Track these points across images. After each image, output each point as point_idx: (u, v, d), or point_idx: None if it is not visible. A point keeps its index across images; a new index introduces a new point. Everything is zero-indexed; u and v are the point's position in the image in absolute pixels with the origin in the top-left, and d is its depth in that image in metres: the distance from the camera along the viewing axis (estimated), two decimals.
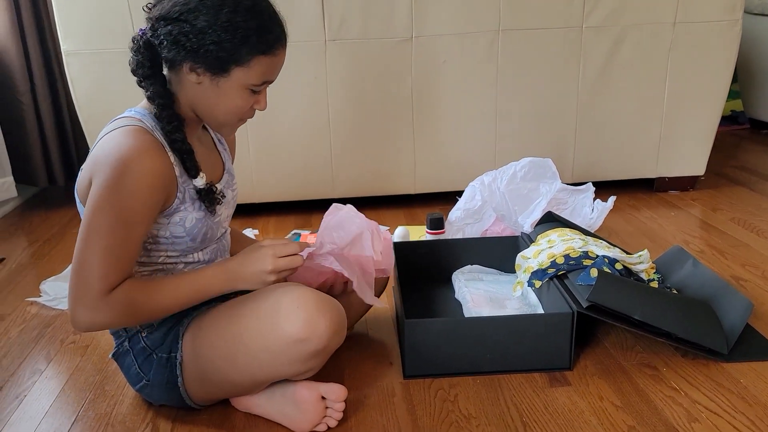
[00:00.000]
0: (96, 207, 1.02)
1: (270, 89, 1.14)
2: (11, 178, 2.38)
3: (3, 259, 2.00)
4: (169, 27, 1.03)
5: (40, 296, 1.71)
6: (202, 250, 1.18)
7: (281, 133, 2.14)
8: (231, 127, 1.15)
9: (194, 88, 1.08)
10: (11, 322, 1.61)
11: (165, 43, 1.04)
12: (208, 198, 1.12)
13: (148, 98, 1.08)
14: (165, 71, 1.09)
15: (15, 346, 1.49)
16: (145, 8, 1.07)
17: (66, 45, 2.01)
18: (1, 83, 2.34)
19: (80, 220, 1.15)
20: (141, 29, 1.07)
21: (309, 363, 1.09)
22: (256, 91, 1.10)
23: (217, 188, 1.15)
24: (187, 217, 1.11)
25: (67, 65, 2.04)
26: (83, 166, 1.09)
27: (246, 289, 1.12)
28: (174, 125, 1.07)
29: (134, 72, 1.08)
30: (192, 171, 1.10)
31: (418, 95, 2.14)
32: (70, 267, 1.76)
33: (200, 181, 1.11)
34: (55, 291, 1.71)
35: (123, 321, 1.06)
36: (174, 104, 1.09)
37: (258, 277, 1.09)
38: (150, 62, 1.07)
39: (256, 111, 1.14)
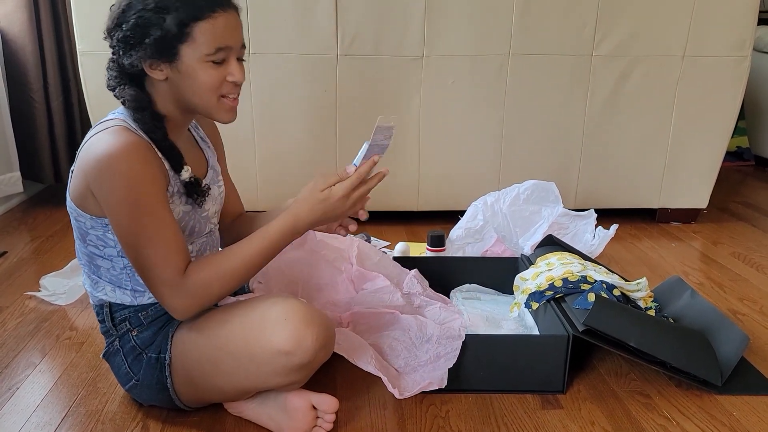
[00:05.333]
0: (118, 211, 1.03)
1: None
2: (18, 174, 2.39)
3: (5, 253, 2.00)
4: (115, 35, 1.05)
5: (39, 291, 1.72)
6: (191, 243, 1.19)
7: (288, 143, 2.15)
8: (217, 108, 1.10)
9: (164, 85, 1.09)
10: (9, 314, 1.61)
11: (120, 51, 1.06)
12: (195, 191, 1.14)
13: (123, 104, 1.10)
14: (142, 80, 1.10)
15: (11, 339, 1.50)
16: (105, 31, 1.09)
17: (81, 45, 2.04)
18: (14, 79, 2.36)
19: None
20: None
21: (293, 376, 1.09)
22: (218, 61, 1.07)
23: (202, 182, 1.16)
24: (174, 210, 1.12)
25: (81, 65, 2.06)
26: (73, 170, 1.10)
27: (314, 226, 1.12)
28: (151, 124, 1.08)
29: (108, 87, 1.11)
30: (176, 166, 1.11)
31: (425, 113, 2.16)
32: (70, 263, 1.79)
33: (185, 174, 1.12)
34: (55, 286, 1.72)
35: (208, 300, 1.08)
36: (151, 104, 1.10)
37: (318, 205, 1.09)
38: (118, 73, 1.09)
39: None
